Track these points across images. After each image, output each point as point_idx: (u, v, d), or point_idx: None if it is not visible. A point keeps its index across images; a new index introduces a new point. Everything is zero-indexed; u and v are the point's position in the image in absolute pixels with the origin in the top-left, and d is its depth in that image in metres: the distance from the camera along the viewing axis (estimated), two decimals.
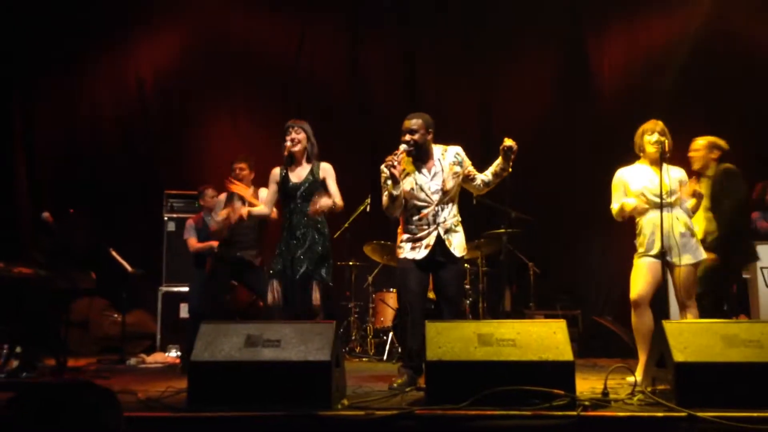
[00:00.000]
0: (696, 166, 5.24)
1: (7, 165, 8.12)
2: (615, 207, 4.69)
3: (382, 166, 4.38)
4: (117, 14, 8.33)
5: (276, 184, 4.78)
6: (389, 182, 4.38)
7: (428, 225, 4.40)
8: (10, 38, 7.99)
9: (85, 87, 8.46)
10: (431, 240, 4.38)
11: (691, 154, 5.26)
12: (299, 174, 4.70)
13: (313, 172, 4.70)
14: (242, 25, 8.53)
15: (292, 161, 4.70)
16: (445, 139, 4.60)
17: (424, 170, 4.43)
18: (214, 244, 6.10)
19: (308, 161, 4.74)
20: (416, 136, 4.38)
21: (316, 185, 4.68)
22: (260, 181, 5.43)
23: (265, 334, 3.54)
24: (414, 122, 4.41)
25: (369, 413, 3.22)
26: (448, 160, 4.46)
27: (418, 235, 4.41)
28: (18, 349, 4.89)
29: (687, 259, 4.47)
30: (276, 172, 4.79)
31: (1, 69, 8.05)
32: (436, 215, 4.40)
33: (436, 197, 4.39)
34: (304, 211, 4.65)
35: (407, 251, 4.43)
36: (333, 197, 4.67)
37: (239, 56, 8.47)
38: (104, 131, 8.45)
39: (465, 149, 4.56)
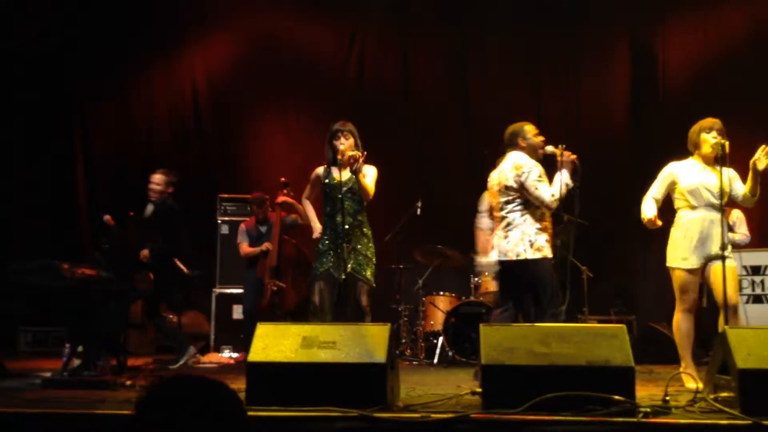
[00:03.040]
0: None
1: (68, 170, 8.38)
2: (644, 201, 4.63)
3: (554, 150, 4.53)
4: (171, 21, 8.53)
5: (319, 183, 4.83)
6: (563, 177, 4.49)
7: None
8: (65, 46, 8.23)
9: (140, 92, 8.67)
10: None
11: None
12: (343, 173, 4.68)
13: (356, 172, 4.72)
14: (292, 29, 8.59)
15: (336, 162, 4.67)
16: (498, 143, 4.57)
17: None
18: (264, 247, 6.43)
19: None
20: None
21: (361, 184, 4.69)
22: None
23: (321, 335, 3.57)
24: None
25: (425, 416, 3.22)
26: None
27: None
28: (80, 349, 5.01)
29: (730, 261, 4.33)
30: (319, 171, 4.85)
31: (59, 74, 8.31)
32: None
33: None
34: (348, 210, 4.66)
35: (550, 250, 4.57)
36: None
37: (290, 59, 8.53)
38: (159, 135, 8.64)
39: None
